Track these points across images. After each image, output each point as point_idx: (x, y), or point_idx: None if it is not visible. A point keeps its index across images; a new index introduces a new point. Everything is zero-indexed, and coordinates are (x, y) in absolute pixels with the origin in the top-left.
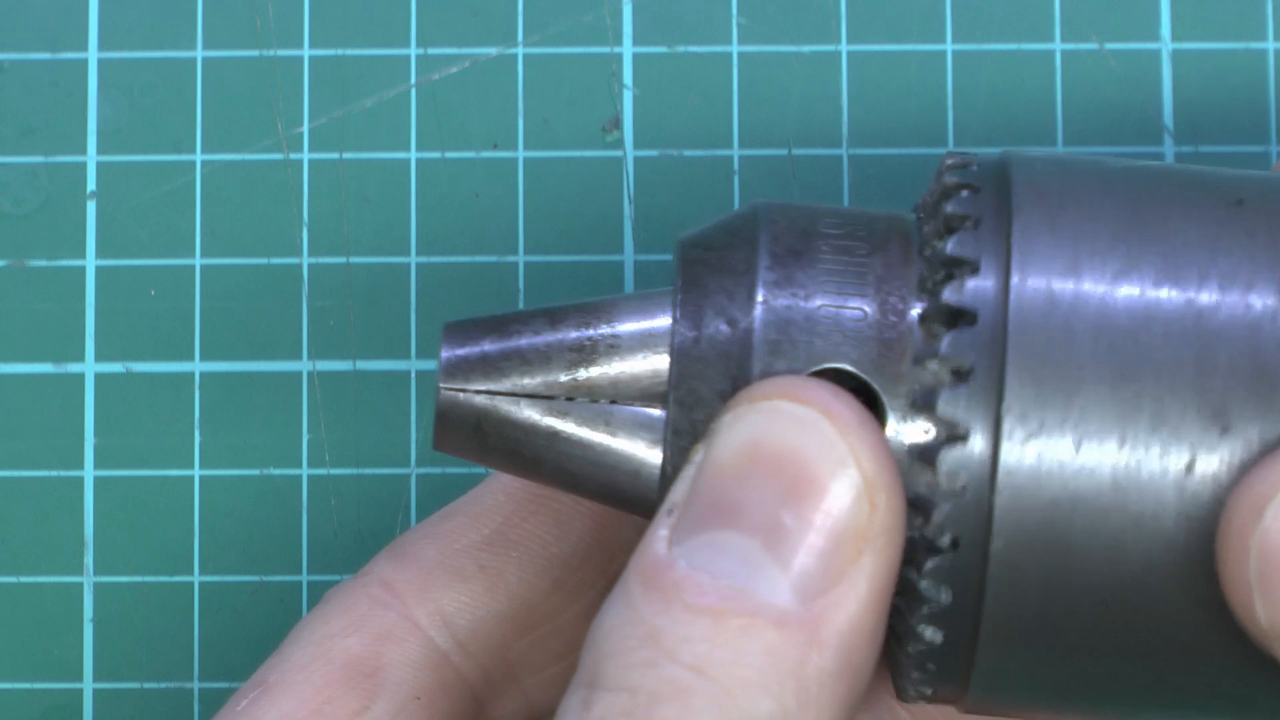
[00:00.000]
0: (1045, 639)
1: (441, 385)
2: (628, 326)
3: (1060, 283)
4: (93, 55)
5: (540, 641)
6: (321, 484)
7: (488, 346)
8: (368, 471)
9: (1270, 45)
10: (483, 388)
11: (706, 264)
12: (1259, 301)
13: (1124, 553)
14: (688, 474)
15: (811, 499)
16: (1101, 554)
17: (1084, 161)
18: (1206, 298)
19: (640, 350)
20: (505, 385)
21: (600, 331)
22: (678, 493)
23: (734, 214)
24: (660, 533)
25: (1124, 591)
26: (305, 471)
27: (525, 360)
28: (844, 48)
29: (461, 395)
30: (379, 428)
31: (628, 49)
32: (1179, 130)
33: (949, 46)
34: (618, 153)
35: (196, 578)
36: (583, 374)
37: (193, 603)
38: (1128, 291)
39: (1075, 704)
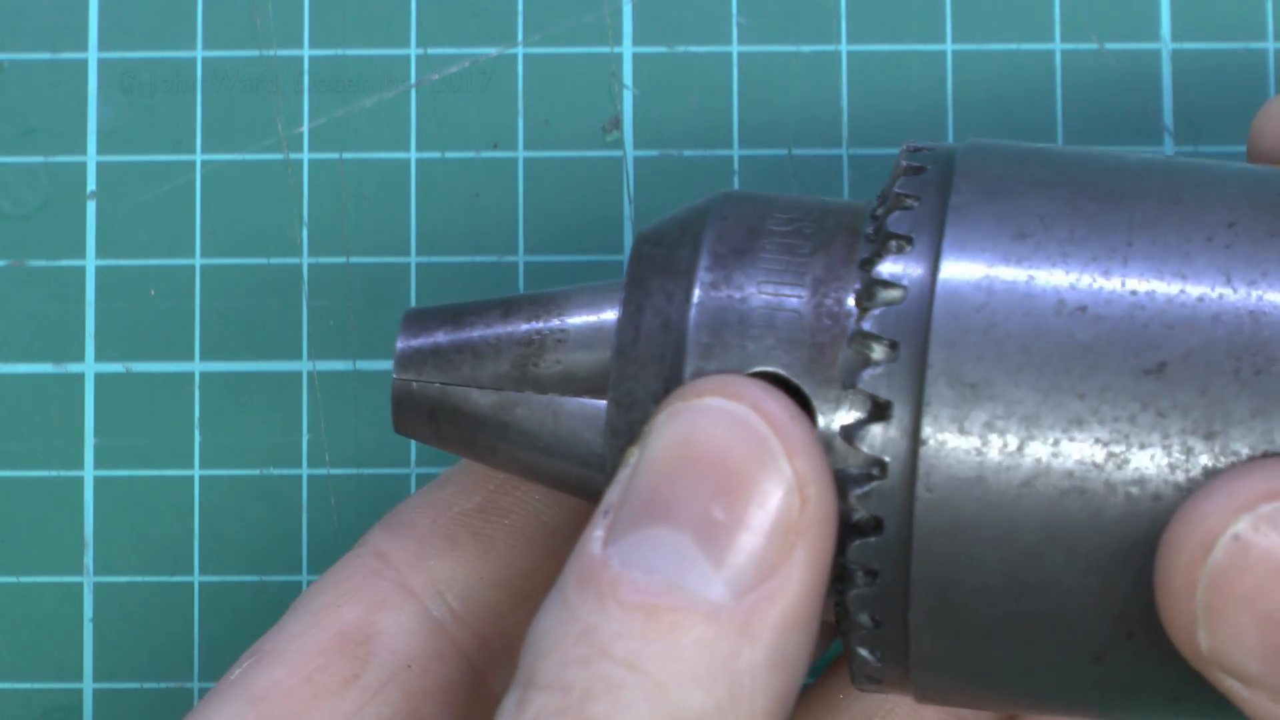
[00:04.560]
0: (973, 623)
1: (395, 374)
2: (576, 320)
3: (991, 262)
4: (93, 55)
5: (535, 611)
6: (321, 484)
7: (441, 338)
8: (368, 471)
9: (1270, 45)
10: (435, 379)
11: (652, 261)
12: (1196, 288)
13: (1048, 539)
14: (623, 475)
15: (742, 494)
16: (1026, 540)
17: (1034, 149)
18: (1137, 280)
19: (587, 345)
20: (456, 377)
21: (550, 325)
22: (613, 494)
23: (691, 206)
24: (595, 533)
25: (1043, 582)
26: (305, 471)
27: (476, 352)
28: (844, 48)
29: (415, 385)
30: (379, 428)
31: (628, 49)
32: (1179, 130)
33: (949, 46)
34: (618, 153)
35: (196, 578)
36: (531, 368)
37: (193, 603)
38: (1059, 274)
39: (1014, 693)
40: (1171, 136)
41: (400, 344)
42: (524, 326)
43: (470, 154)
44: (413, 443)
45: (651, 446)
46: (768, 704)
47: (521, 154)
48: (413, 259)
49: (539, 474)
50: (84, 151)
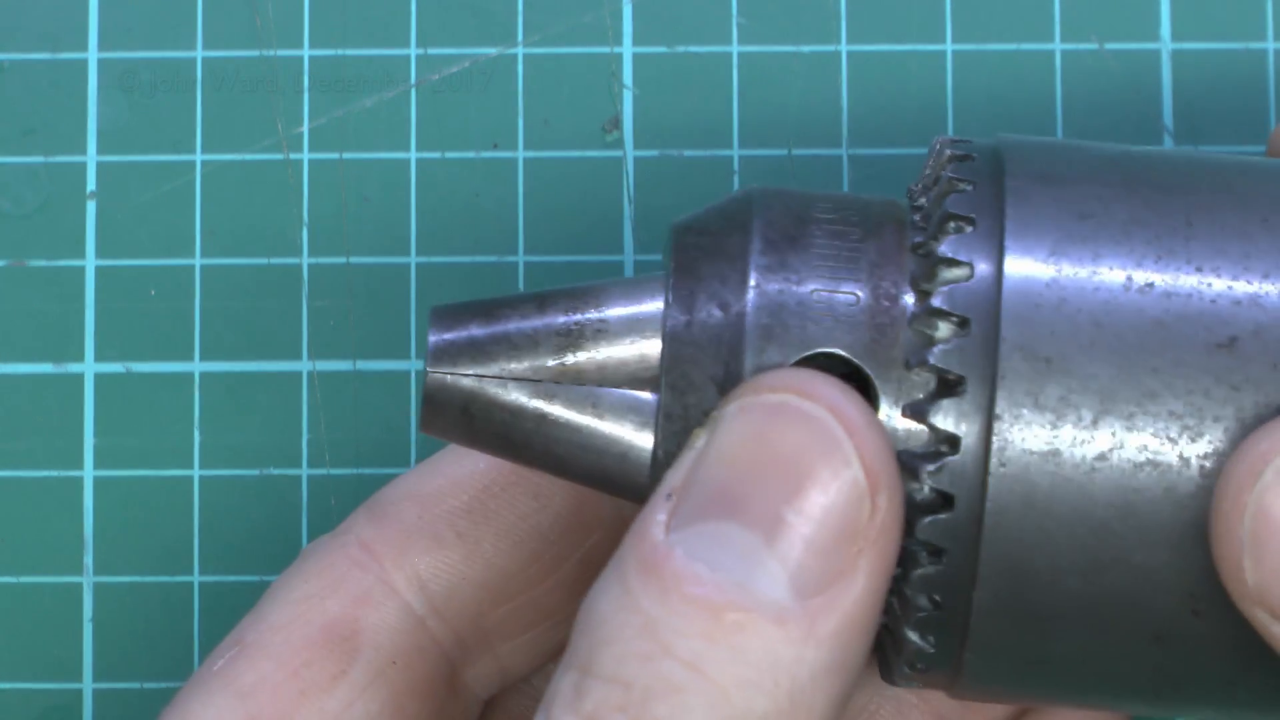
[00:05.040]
0: (1039, 602)
1: (429, 369)
2: (616, 311)
3: (1056, 240)
4: (93, 55)
5: (515, 610)
6: (321, 484)
7: (475, 331)
8: (368, 471)
9: (1270, 45)
10: (470, 371)
11: (700, 249)
12: (1260, 265)
13: (1121, 515)
14: (687, 459)
15: (814, 497)
16: (1098, 515)
17: (1070, 142)
18: (1202, 257)
19: (628, 335)
20: (493, 369)
21: (588, 316)
22: (676, 477)
23: (728, 199)
24: (658, 517)
25: (1113, 559)
26: (305, 471)
27: (513, 344)
28: (844, 48)
29: (449, 378)
30: (379, 428)
31: (628, 49)
32: (1179, 130)
33: (949, 46)
34: (618, 153)
35: (196, 578)
36: (570, 358)
37: (193, 603)
38: (1124, 251)
39: (1065, 681)
40: (1171, 137)
41: (433, 337)
42: (561, 318)
43: (470, 154)
44: (413, 443)
45: (722, 436)
46: (826, 709)
47: (521, 154)
48: (413, 259)
49: (574, 468)
50: (84, 151)
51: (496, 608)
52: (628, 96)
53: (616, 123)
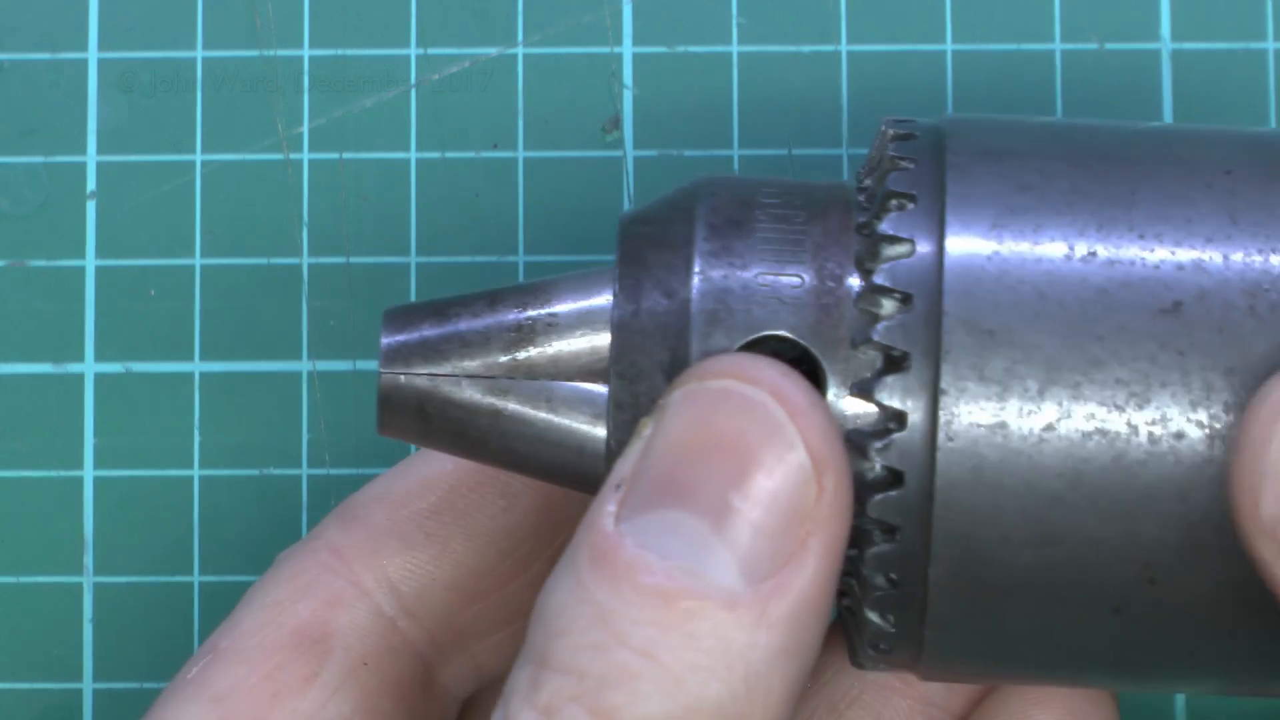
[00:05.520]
0: (994, 576)
1: (382, 369)
2: (565, 306)
3: (997, 213)
4: (93, 55)
5: (488, 609)
6: (321, 484)
7: (427, 331)
8: (368, 471)
9: (1270, 45)
10: (423, 371)
11: (645, 238)
12: (1203, 229)
13: (1071, 485)
14: (635, 448)
15: (760, 481)
16: (1049, 486)
17: (1016, 118)
18: (1145, 223)
19: (578, 328)
20: (446, 368)
21: (539, 311)
22: (624, 467)
23: (675, 190)
24: (608, 508)
25: (1065, 530)
26: (305, 471)
27: (465, 342)
28: (844, 48)
29: (403, 378)
30: None
31: (628, 49)
32: None
33: (949, 46)
34: (618, 153)
35: (196, 578)
36: (522, 354)
37: (193, 603)
38: (1066, 221)
39: (1027, 656)
40: None
41: (385, 340)
42: (512, 315)
43: (470, 154)
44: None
45: (667, 425)
46: (783, 691)
47: (521, 154)
48: (413, 259)
49: (531, 463)
50: (84, 151)
51: (468, 607)
52: (628, 96)
53: (616, 123)
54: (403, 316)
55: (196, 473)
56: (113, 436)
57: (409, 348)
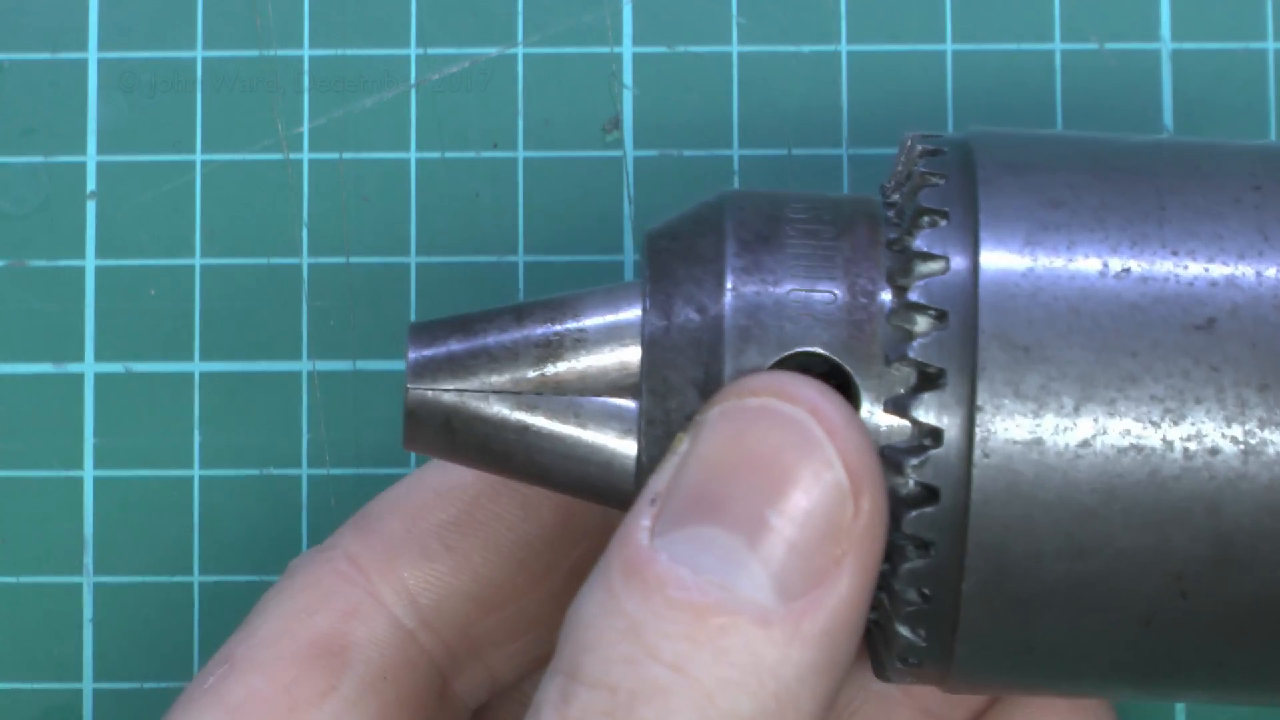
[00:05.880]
0: (1027, 590)
1: (409, 385)
2: (594, 320)
3: (1030, 229)
4: (93, 55)
5: (504, 619)
6: (321, 484)
7: (454, 346)
8: (368, 471)
9: (1270, 45)
10: (451, 386)
11: (674, 253)
12: (1235, 245)
13: (1105, 500)
14: (670, 464)
15: (796, 499)
16: (1083, 501)
17: (1039, 132)
18: (1176, 239)
19: (607, 343)
20: (473, 383)
21: (566, 326)
22: (659, 482)
23: (700, 204)
24: (642, 522)
25: (1099, 544)
26: (305, 471)
27: (492, 357)
28: (844, 48)
29: (430, 393)
30: (379, 428)
31: (628, 49)
32: (1179, 130)
33: (949, 46)
34: (618, 153)
35: (196, 578)
36: (550, 369)
37: (193, 603)
38: (1098, 237)
39: (1055, 668)
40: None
41: (412, 354)
42: (540, 329)
43: (470, 154)
44: None
45: (705, 441)
46: (813, 708)
47: (521, 154)
48: (413, 259)
49: (558, 478)
50: (84, 151)
51: (485, 618)
52: (628, 96)
53: (616, 123)
54: (429, 331)
55: (196, 473)
56: (113, 436)
57: (436, 363)
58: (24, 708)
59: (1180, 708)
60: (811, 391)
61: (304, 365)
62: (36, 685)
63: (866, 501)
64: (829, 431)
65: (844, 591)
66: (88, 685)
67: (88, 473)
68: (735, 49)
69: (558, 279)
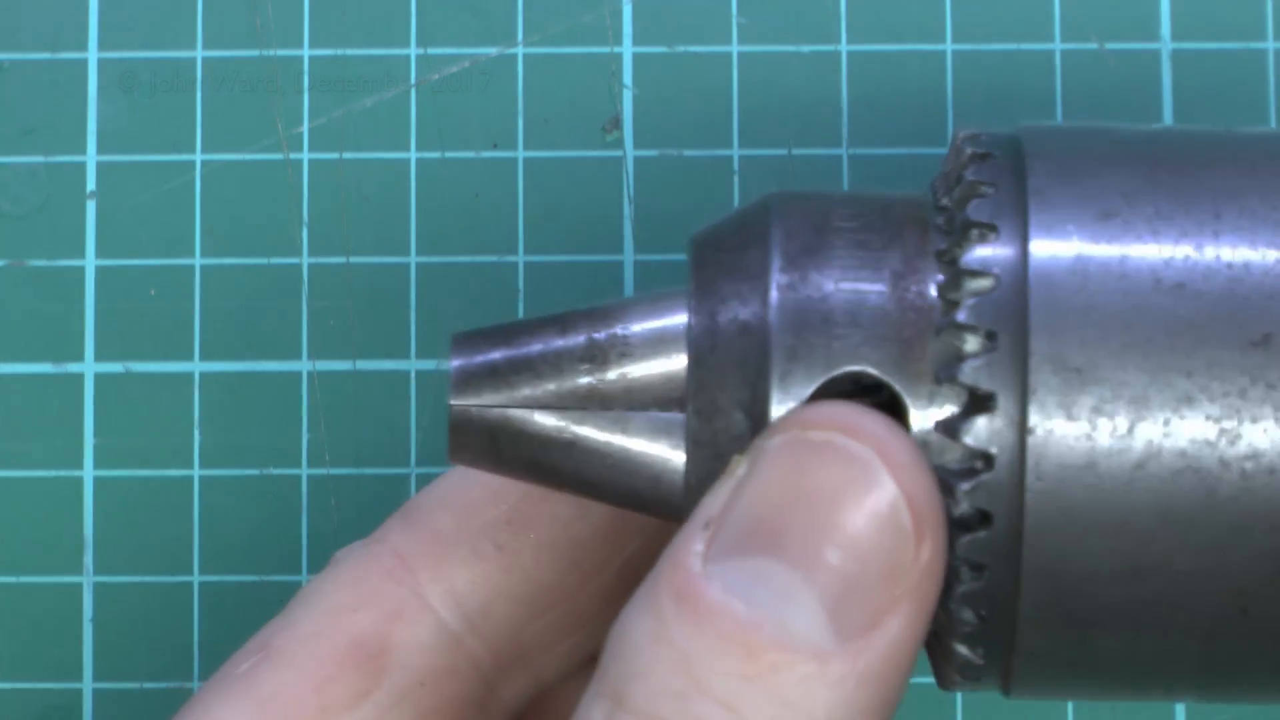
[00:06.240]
0: (1084, 612)
1: (453, 401)
2: (639, 331)
3: (1081, 244)
4: (93, 55)
5: (552, 621)
6: (321, 484)
7: (498, 359)
8: (368, 471)
9: (1270, 45)
10: (495, 401)
11: (719, 265)
12: None
13: (1162, 522)
14: (725, 487)
15: (858, 538)
16: (1139, 524)
17: (1092, 128)
18: (1232, 252)
19: (653, 355)
20: (518, 398)
21: (611, 338)
22: (713, 506)
23: (746, 209)
24: (695, 547)
25: (1156, 566)
26: (305, 471)
27: (536, 371)
28: (844, 48)
29: (474, 410)
30: (379, 428)
31: (628, 49)
32: None
33: (949, 46)
34: (618, 153)
35: (196, 578)
36: (596, 383)
37: (192, 603)
38: (1151, 251)
39: (1115, 682)
40: None
41: (457, 365)
42: (584, 341)
43: (470, 154)
44: (413, 443)
45: (764, 471)
46: None
47: (521, 154)
48: (413, 259)
49: (607, 492)
50: (84, 151)
51: (534, 621)
52: (628, 96)
53: (616, 123)
54: (470, 343)
55: (196, 473)
56: (113, 436)
57: (479, 377)
58: (24, 708)
59: (1180, 708)
60: (877, 427)
61: (304, 365)
62: (36, 685)
63: (928, 543)
64: (894, 471)
65: (901, 633)
66: (88, 685)
67: (88, 473)
68: (735, 49)
69: (558, 279)
